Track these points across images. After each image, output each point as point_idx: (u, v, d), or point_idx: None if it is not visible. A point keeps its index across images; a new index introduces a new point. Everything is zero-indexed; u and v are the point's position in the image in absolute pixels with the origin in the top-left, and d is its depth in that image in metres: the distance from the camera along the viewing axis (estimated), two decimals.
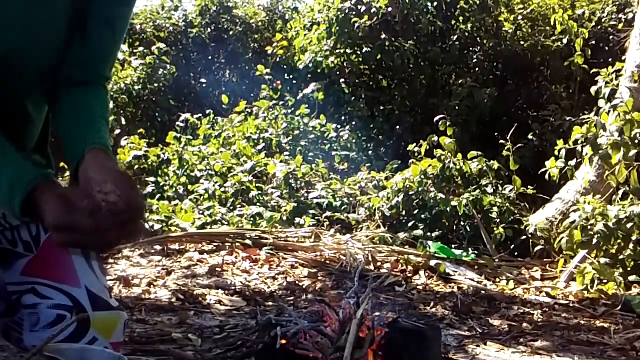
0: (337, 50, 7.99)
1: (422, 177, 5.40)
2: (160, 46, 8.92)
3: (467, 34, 8.14)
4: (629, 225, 4.24)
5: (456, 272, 4.40)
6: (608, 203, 4.64)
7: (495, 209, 5.22)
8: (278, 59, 8.99)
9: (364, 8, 7.80)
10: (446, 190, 5.45)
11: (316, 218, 5.42)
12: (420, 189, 5.37)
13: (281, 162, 6.25)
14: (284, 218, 5.37)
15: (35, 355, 1.18)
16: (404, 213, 5.36)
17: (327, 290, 3.84)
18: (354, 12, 7.80)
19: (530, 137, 6.95)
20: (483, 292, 3.98)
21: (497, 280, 4.40)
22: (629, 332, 3.29)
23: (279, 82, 8.05)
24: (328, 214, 5.44)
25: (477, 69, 8.03)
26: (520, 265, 4.81)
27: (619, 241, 4.29)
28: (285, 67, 8.94)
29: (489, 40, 8.01)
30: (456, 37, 8.05)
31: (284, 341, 2.19)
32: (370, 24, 7.72)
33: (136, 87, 8.69)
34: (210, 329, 3.11)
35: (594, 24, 7.53)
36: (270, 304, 3.57)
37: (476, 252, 4.97)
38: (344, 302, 2.35)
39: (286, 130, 7.09)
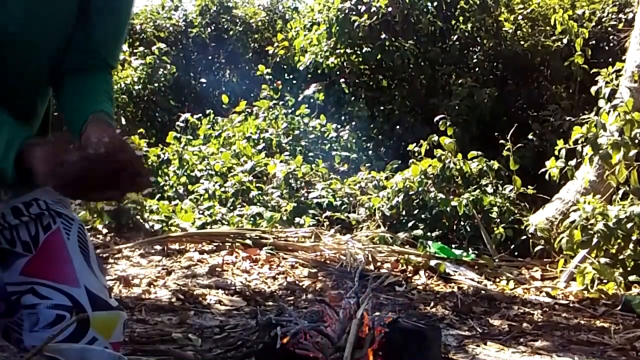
0: (337, 50, 7.99)
1: (422, 177, 5.40)
2: (160, 46, 8.92)
3: (467, 34, 8.13)
4: (629, 225, 4.24)
5: (456, 272, 4.40)
6: (608, 203, 4.64)
7: (495, 208, 5.22)
8: (278, 59, 8.99)
9: (363, 8, 7.79)
10: (446, 190, 5.44)
11: (316, 218, 5.42)
12: (420, 189, 5.36)
13: (281, 162, 6.25)
14: (284, 218, 5.37)
15: (35, 355, 1.18)
16: (404, 213, 5.36)
17: (327, 290, 3.83)
18: (354, 12, 7.80)
19: (530, 137, 6.95)
20: (483, 292, 3.98)
21: (497, 280, 4.40)
22: (629, 332, 3.29)
23: (279, 82, 8.05)
24: (328, 213, 5.44)
25: (477, 69, 8.03)
26: (520, 265, 4.81)
27: (619, 241, 4.29)
28: (285, 67, 8.94)
29: (489, 40, 8.00)
30: (456, 37, 8.05)
31: (284, 341, 2.19)
32: (370, 24, 7.72)
33: (136, 87, 8.69)
34: (210, 328, 3.11)
35: (594, 23, 7.53)
36: (270, 303, 3.57)
37: (476, 252, 4.97)
38: (344, 302, 2.35)
39: (286, 130, 7.09)
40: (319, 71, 8.07)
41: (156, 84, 8.79)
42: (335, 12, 7.86)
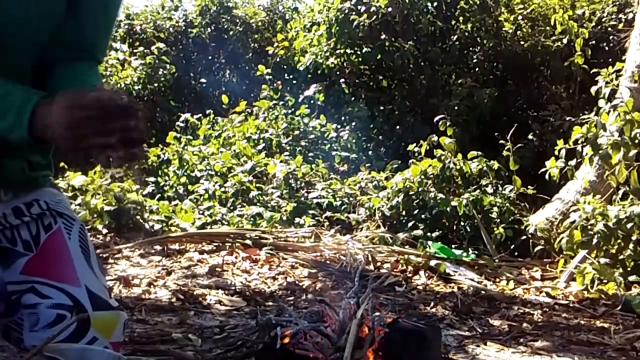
0: (337, 51, 7.99)
1: (422, 177, 5.40)
2: (159, 46, 8.91)
3: (467, 34, 8.14)
4: (629, 225, 4.24)
5: (456, 272, 4.40)
6: (608, 203, 4.64)
7: (495, 209, 5.22)
8: (278, 59, 8.99)
9: (363, 8, 7.79)
10: (446, 190, 5.44)
11: (316, 218, 5.42)
12: (420, 189, 5.36)
13: (281, 162, 6.25)
14: (284, 218, 5.37)
15: (35, 355, 1.18)
16: (404, 213, 5.36)
17: (327, 290, 3.83)
18: (354, 12, 7.80)
19: (530, 137, 6.95)
20: (483, 292, 3.97)
21: (497, 280, 4.40)
22: (629, 332, 3.29)
23: (279, 82, 8.05)
24: (328, 214, 5.44)
25: (477, 69, 8.03)
26: (520, 265, 4.81)
27: (619, 241, 4.29)
28: (285, 67, 8.95)
29: (489, 40, 8.00)
30: (456, 37, 8.05)
31: (284, 341, 2.19)
32: (370, 24, 7.72)
33: (136, 87, 8.69)
34: (210, 329, 3.11)
35: (594, 24, 7.53)
36: (270, 304, 3.57)
37: (476, 252, 4.97)
38: (344, 302, 2.35)
39: (286, 130, 7.09)
40: (319, 71, 8.07)
41: (156, 84, 8.79)
42: (335, 13, 7.86)
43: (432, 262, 4.41)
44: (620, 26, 7.24)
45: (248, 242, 4.65)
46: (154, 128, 8.80)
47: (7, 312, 1.32)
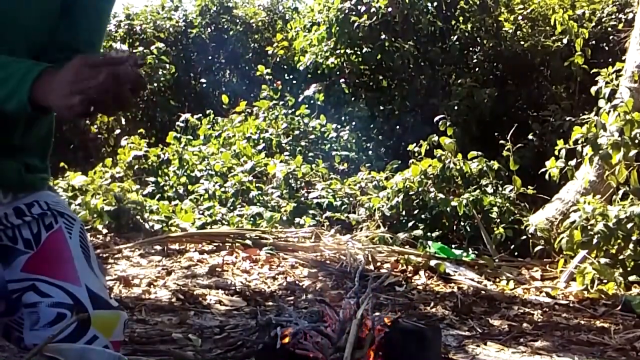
0: (337, 51, 7.99)
1: (422, 177, 5.40)
2: (159, 46, 8.91)
3: (467, 34, 8.13)
4: (629, 225, 4.24)
5: (456, 272, 4.39)
6: (608, 203, 4.64)
7: (495, 209, 5.22)
8: (278, 59, 8.99)
9: (363, 8, 7.79)
10: (446, 190, 5.44)
11: (316, 218, 5.42)
12: (420, 189, 5.36)
13: (281, 162, 6.25)
14: (284, 218, 5.37)
15: (35, 355, 1.18)
16: (404, 213, 5.36)
17: (327, 290, 3.83)
18: (354, 12, 7.80)
19: (530, 137, 6.95)
20: (483, 292, 3.97)
21: (497, 280, 4.40)
22: (629, 332, 3.29)
23: (279, 82, 8.05)
24: (328, 214, 5.44)
25: (477, 69, 8.03)
26: (520, 265, 4.81)
27: (619, 241, 4.29)
28: (285, 67, 8.94)
29: (489, 40, 8.00)
30: (456, 37, 8.05)
31: (284, 341, 2.19)
32: (370, 24, 7.72)
33: None
34: (210, 329, 3.11)
35: (594, 24, 7.53)
36: (270, 304, 3.57)
37: (476, 252, 4.97)
38: (344, 302, 2.35)
39: (286, 130, 7.10)
40: (319, 71, 8.07)
41: (156, 84, 8.79)
42: (335, 13, 7.86)
43: (432, 262, 4.40)
44: (620, 26, 7.24)
45: (248, 242, 4.65)
46: (154, 128, 8.81)
47: (7, 311, 1.32)
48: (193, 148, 6.88)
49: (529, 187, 5.45)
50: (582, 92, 6.93)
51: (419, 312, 3.55)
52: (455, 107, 7.24)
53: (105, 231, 5.05)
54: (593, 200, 4.58)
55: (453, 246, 5.03)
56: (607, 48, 7.45)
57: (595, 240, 4.27)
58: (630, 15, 7.07)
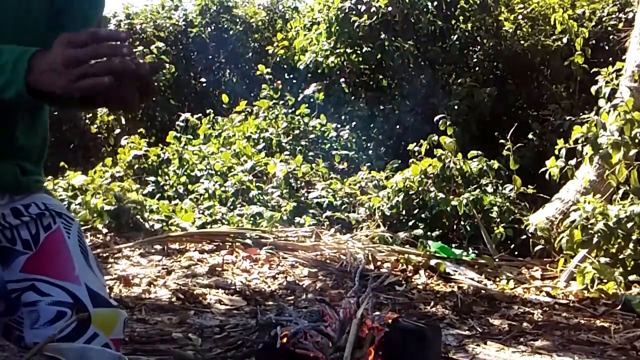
0: (337, 50, 7.99)
1: (422, 176, 5.40)
2: (159, 45, 8.91)
3: (467, 34, 8.13)
4: (629, 225, 4.24)
5: (456, 271, 4.39)
6: (608, 202, 4.64)
7: (495, 208, 5.22)
8: (278, 59, 8.99)
9: (363, 7, 7.79)
10: (446, 189, 5.44)
11: (316, 217, 5.42)
12: (420, 189, 5.36)
13: (281, 161, 6.25)
14: (284, 217, 5.37)
15: (35, 355, 1.18)
16: (404, 212, 5.36)
17: (327, 290, 3.84)
18: (354, 12, 7.80)
19: (530, 136, 6.95)
20: (483, 291, 3.98)
21: (497, 279, 4.40)
22: (629, 332, 3.29)
23: (279, 81, 8.05)
24: (328, 213, 5.44)
25: (477, 69, 8.03)
26: (520, 264, 4.81)
27: (619, 240, 4.29)
28: (285, 66, 8.94)
29: (489, 40, 8.00)
30: (456, 36, 8.05)
31: (284, 341, 2.19)
32: (370, 24, 7.72)
33: None
34: (210, 328, 3.11)
35: (594, 23, 7.53)
36: (270, 303, 3.57)
37: (476, 251, 4.97)
38: (344, 301, 2.35)
39: (286, 130, 7.10)
40: (319, 71, 8.07)
41: (156, 84, 8.77)
42: (335, 12, 7.86)
43: (432, 262, 4.40)
44: (621, 25, 7.24)
45: (248, 241, 4.65)
46: (154, 128, 8.80)
47: (7, 311, 1.32)
48: (193, 147, 6.88)
49: (529, 186, 5.45)
50: (582, 91, 6.93)
51: (419, 311, 3.55)
52: (455, 107, 7.24)
53: (105, 231, 5.05)
54: (593, 200, 4.58)
55: (453, 246, 5.03)
56: (607, 47, 7.44)
57: (595, 240, 4.27)
58: (631, 15, 7.07)
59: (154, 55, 8.74)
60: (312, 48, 8.17)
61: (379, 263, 4.46)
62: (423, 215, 5.29)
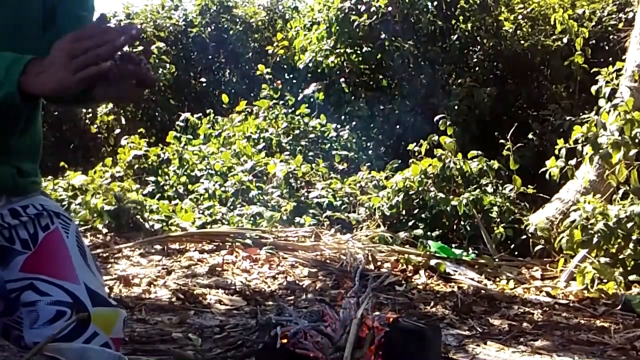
0: (337, 50, 7.99)
1: (422, 176, 5.40)
2: (159, 45, 8.91)
3: (467, 34, 8.13)
4: (629, 225, 4.24)
5: (456, 271, 4.39)
6: (608, 202, 4.64)
7: (495, 208, 5.21)
8: (278, 59, 8.99)
9: (363, 7, 7.79)
10: (446, 189, 5.44)
11: (316, 217, 5.42)
12: (420, 189, 5.36)
13: (281, 161, 6.25)
14: (284, 217, 5.37)
15: (35, 355, 1.18)
16: (404, 212, 5.36)
17: (327, 290, 3.84)
18: (354, 12, 7.80)
19: (530, 136, 6.95)
20: (483, 291, 3.97)
21: (497, 279, 4.40)
22: (629, 332, 3.29)
23: (279, 81, 8.05)
24: (328, 213, 5.44)
25: (477, 69, 8.03)
26: (520, 264, 4.81)
27: (619, 240, 4.29)
28: (285, 66, 8.94)
29: (489, 40, 8.00)
30: (456, 36, 8.05)
31: (284, 341, 2.19)
32: (370, 24, 7.72)
33: None
34: (211, 328, 3.11)
35: (594, 23, 7.53)
36: (270, 303, 3.57)
37: (476, 251, 4.97)
38: (344, 301, 2.35)
39: (286, 130, 7.09)
40: (319, 71, 8.07)
41: (156, 84, 8.78)
42: (335, 12, 7.86)
43: (432, 262, 4.40)
44: (621, 25, 7.24)
45: (248, 241, 4.65)
46: (154, 127, 8.80)
47: (6, 311, 1.32)
48: (193, 147, 6.88)
49: (529, 186, 5.45)
50: (582, 91, 6.93)
51: (419, 311, 3.55)
52: (455, 107, 7.24)
53: (105, 231, 5.05)
54: (593, 200, 4.58)
55: (453, 245, 5.03)
56: (607, 47, 7.44)
57: (595, 240, 4.27)
58: (631, 15, 7.07)
59: (154, 55, 8.75)
60: (312, 48, 8.17)
61: (379, 263, 4.46)
62: (423, 215, 5.29)
